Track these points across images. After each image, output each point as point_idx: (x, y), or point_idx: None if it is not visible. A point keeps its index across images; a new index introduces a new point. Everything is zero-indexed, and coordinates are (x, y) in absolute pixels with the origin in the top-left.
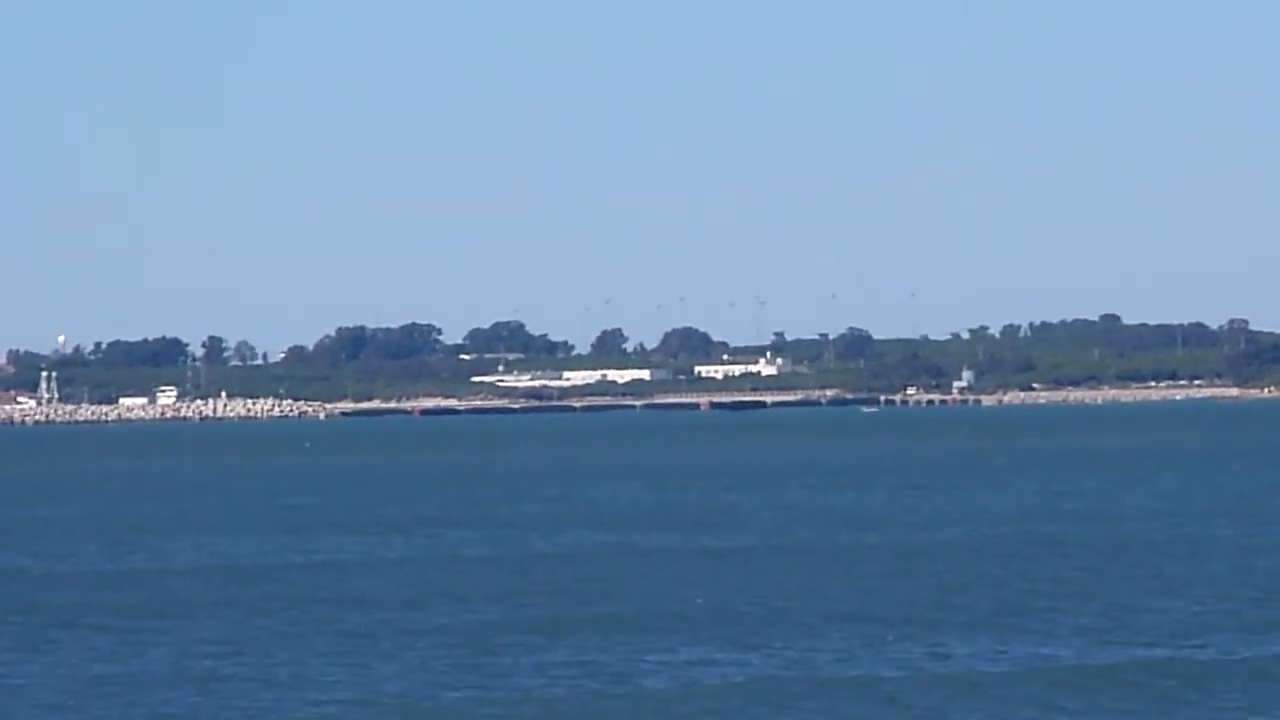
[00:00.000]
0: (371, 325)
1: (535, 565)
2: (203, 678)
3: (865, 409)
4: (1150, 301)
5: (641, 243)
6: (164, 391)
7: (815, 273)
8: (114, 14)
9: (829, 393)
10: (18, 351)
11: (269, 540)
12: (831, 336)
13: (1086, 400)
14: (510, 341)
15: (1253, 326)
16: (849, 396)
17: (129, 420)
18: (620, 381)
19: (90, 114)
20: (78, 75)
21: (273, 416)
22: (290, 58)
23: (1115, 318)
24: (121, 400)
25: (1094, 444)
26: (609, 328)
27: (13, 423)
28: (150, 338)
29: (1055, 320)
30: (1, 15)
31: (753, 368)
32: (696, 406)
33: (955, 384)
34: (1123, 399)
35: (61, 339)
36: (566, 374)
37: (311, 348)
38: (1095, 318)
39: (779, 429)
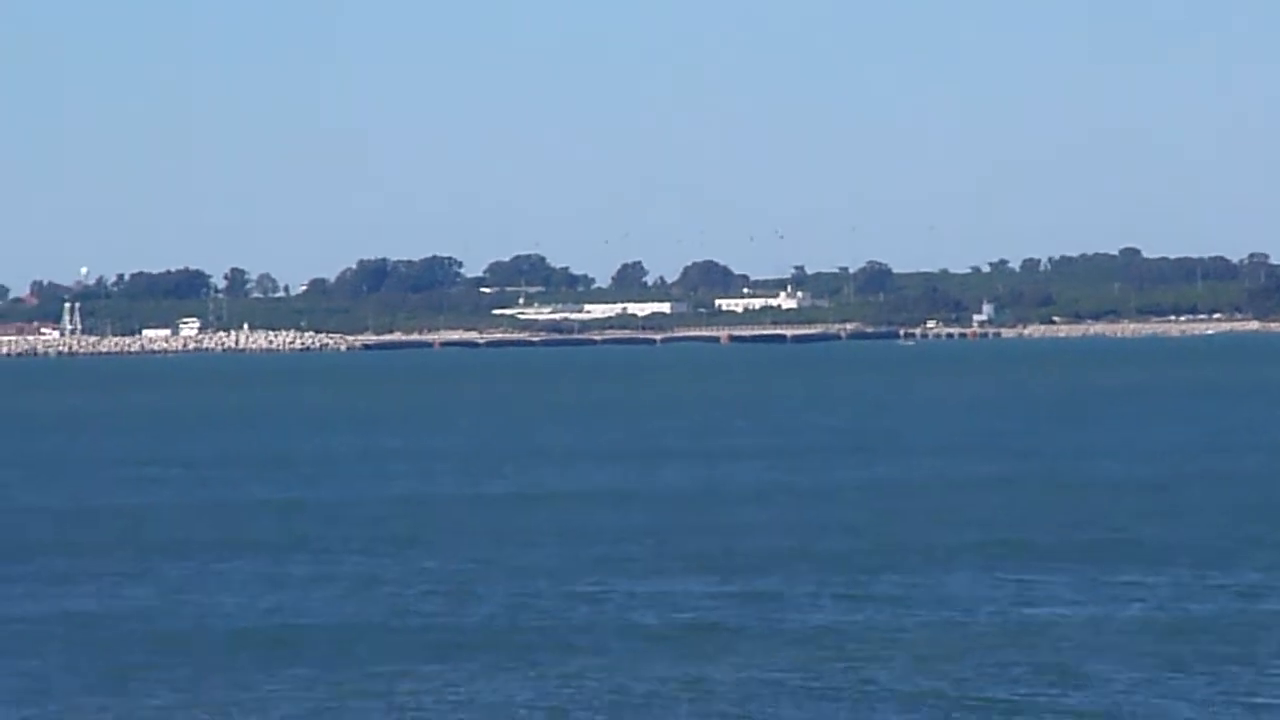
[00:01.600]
0: (393, 258)
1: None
2: None
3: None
4: (1170, 235)
5: (662, 176)
6: (186, 323)
7: (835, 206)
8: None
9: (849, 326)
10: (41, 283)
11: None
12: (851, 270)
13: (1106, 334)
14: (531, 275)
15: (1273, 260)
16: (869, 330)
17: (151, 352)
18: (640, 315)
19: (114, 46)
20: (102, 9)
21: (294, 349)
22: None
23: (1135, 251)
24: (144, 332)
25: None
26: (629, 261)
27: (36, 354)
28: (173, 270)
29: (1075, 254)
30: None
31: (772, 301)
32: (716, 340)
33: (975, 318)
34: (1142, 333)
35: (84, 271)
36: (587, 307)
37: (333, 280)
38: (1115, 252)
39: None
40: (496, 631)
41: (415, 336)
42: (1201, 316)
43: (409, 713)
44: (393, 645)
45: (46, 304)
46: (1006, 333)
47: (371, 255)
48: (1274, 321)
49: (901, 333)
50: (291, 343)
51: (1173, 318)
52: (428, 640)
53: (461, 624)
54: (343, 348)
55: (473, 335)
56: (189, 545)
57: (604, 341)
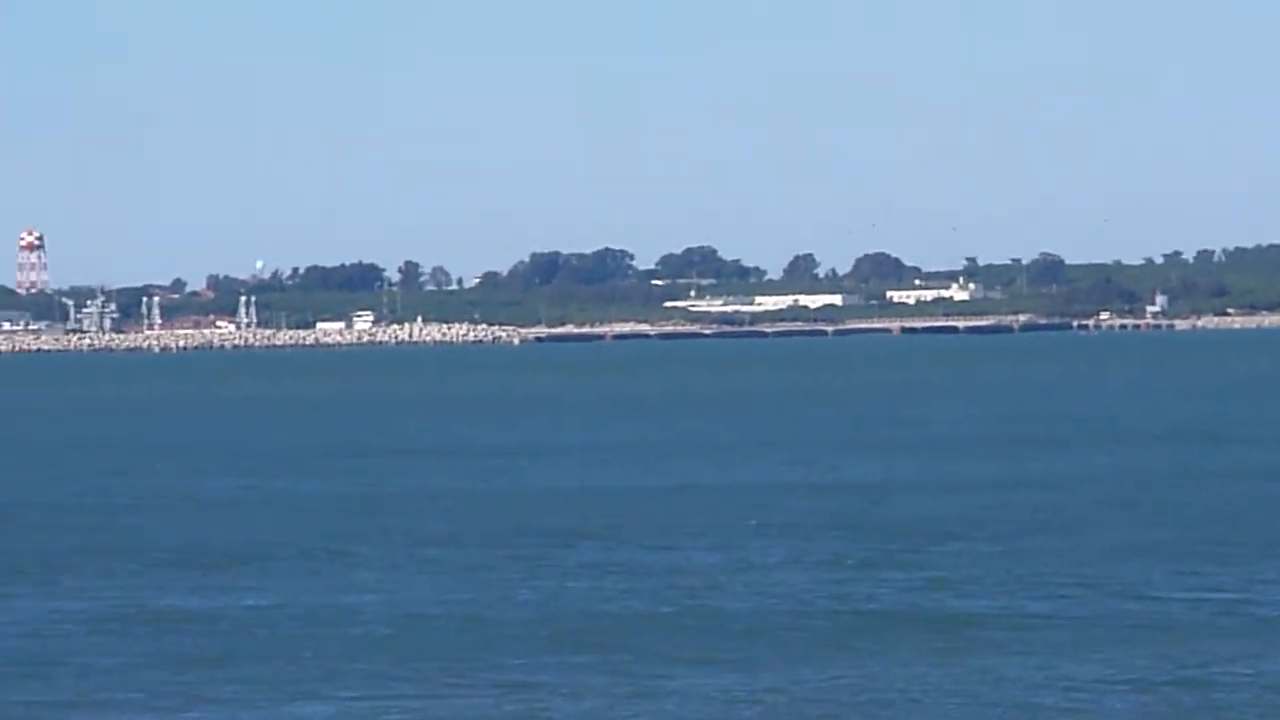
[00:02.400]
0: (565, 251)
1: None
2: None
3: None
4: None
5: (834, 167)
6: (360, 316)
7: (1007, 197)
8: None
9: (1021, 318)
10: (217, 277)
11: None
12: (1024, 261)
13: None
14: (702, 267)
15: None
16: (1041, 321)
17: (325, 345)
18: (812, 307)
19: (294, 43)
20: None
21: (467, 341)
22: None
23: None
24: (318, 325)
25: None
26: (801, 253)
27: (212, 347)
28: (347, 263)
29: (1250, 245)
30: None
31: (944, 293)
32: (889, 332)
33: (1149, 309)
34: None
35: (260, 264)
36: (758, 299)
37: (505, 273)
38: None
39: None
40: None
41: (587, 329)
42: None
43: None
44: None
45: (222, 298)
46: (1180, 324)
47: (544, 248)
48: None
49: (1075, 324)
50: (464, 335)
51: None
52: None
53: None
54: (515, 340)
55: (644, 327)
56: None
57: (775, 334)
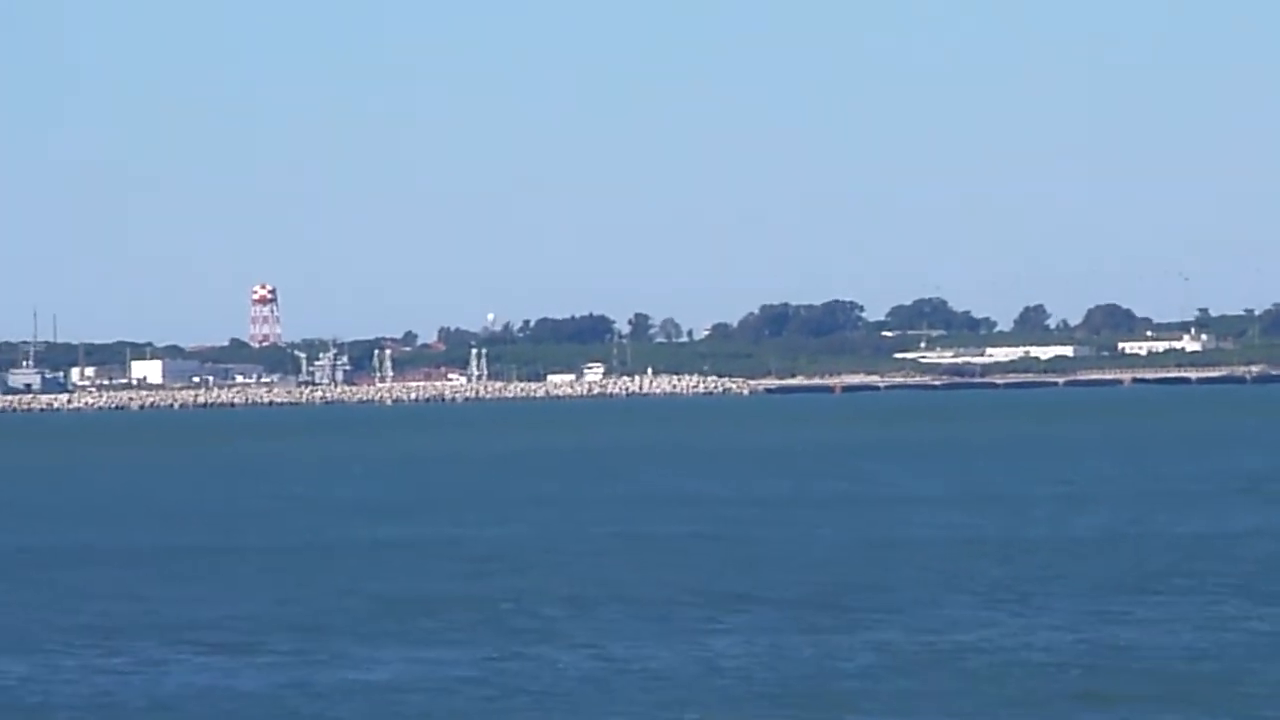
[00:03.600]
0: (794, 302)
1: None
2: None
3: None
4: None
5: (1063, 217)
6: (591, 368)
7: (1239, 245)
8: None
9: (1254, 369)
10: (449, 329)
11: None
12: (1257, 312)
13: None
14: (932, 318)
15: None
16: (1274, 373)
17: (556, 397)
18: (1043, 358)
19: (529, 100)
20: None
21: (696, 393)
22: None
23: None
24: (549, 377)
25: None
26: (1031, 304)
27: (444, 399)
28: (577, 315)
29: None
30: None
31: (1176, 344)
32: (1119, 383)
33: None
34: None
35: (491, 317)
36: (988, 350)
37: (735, 325)
38: None
39: None
40: None
41: (816, 380)
42: None
43: None
44: None
45: (454, 350)
46: None
47: (773, 300)
48: None
49: None
50: (694, 386)
51: None
52: None
53: None
54: (745, 391)
55: (873, 379)
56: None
57: (1005, 385)
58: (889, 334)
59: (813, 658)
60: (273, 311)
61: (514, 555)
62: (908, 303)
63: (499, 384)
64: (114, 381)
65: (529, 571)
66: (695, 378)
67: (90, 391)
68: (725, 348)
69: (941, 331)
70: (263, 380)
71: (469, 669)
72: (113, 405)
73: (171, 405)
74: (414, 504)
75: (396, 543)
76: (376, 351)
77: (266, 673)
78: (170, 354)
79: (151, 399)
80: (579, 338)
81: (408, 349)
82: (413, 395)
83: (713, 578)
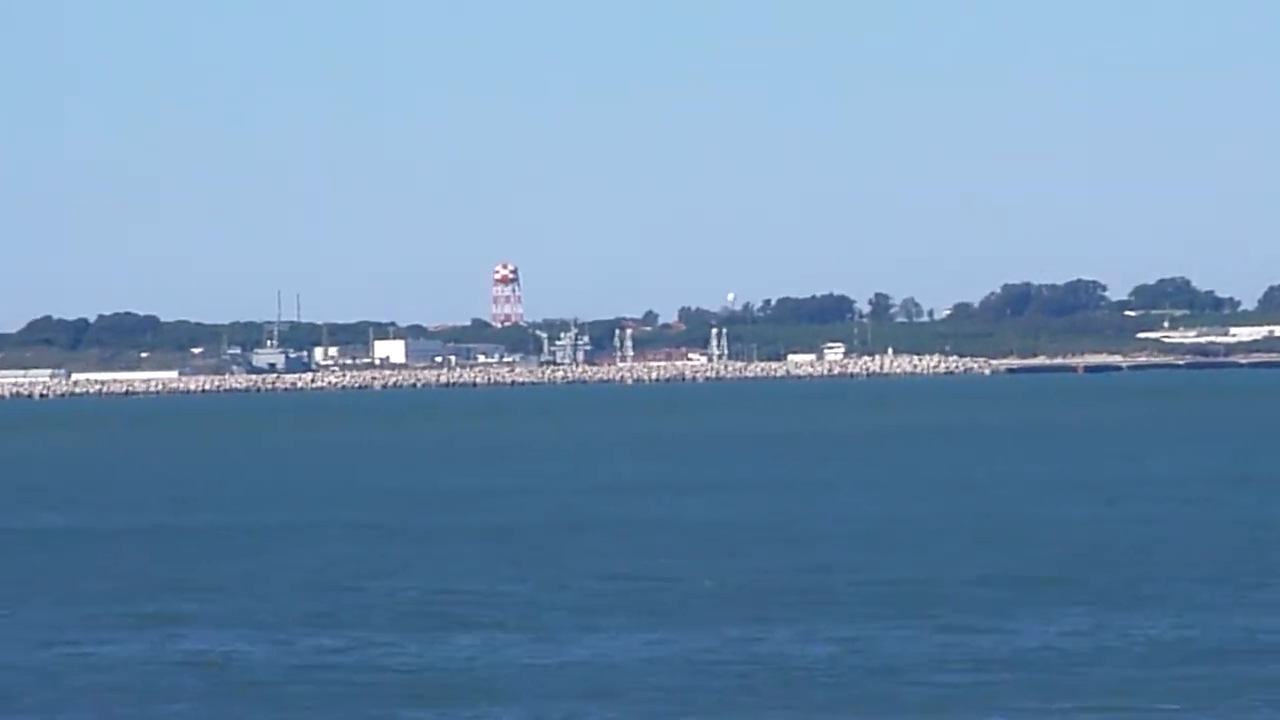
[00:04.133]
0: (1036, 281)
1: None
2: None
3: None
4: None
5: None
6: (831, 348)
7: None
8: None
9: None
10: (689, 309)
11: None
12: None
13: None
14: (1175, 298)
15: None
16: None
17: (796, 377)
18: None
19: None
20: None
21: (937, 373)
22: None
23: None
24: (789, 357)
25: None
26: (1276, 283)
27: (684, 379)
28: (818, 295)
29: None
30: None
31: None
32: None
33: None
34: None
35: (731, 297)
36: (1232, 330)
37: (976, 304)
38: None
39: None
40: None
41: (1058, 360)
42: None
43: None
44: None
45: (694, 330)
46: None
47: (1015, 279)
48: None
49: None
50: (935, 366)
51: None
52: None
53: None
54: (986, 371)
55: (1115, 359)
56: None
57: (1249, 365)
58: (1132, 313)
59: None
60: (514, 291)
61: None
62: (1151, 282)
63: (739, 364)
64: (357, 361)
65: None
66: (936, 357)
67: (333, 371)
68: (965, 327)
69: (1185, 311)
70: (504, 360)
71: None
72: (355, 385)
73: (414, 385)
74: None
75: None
76: (617, 331)
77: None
78: (413, 334)
79: (394, 378)
80: (819, 317)
81: (648, 329)
82: (653, 375)
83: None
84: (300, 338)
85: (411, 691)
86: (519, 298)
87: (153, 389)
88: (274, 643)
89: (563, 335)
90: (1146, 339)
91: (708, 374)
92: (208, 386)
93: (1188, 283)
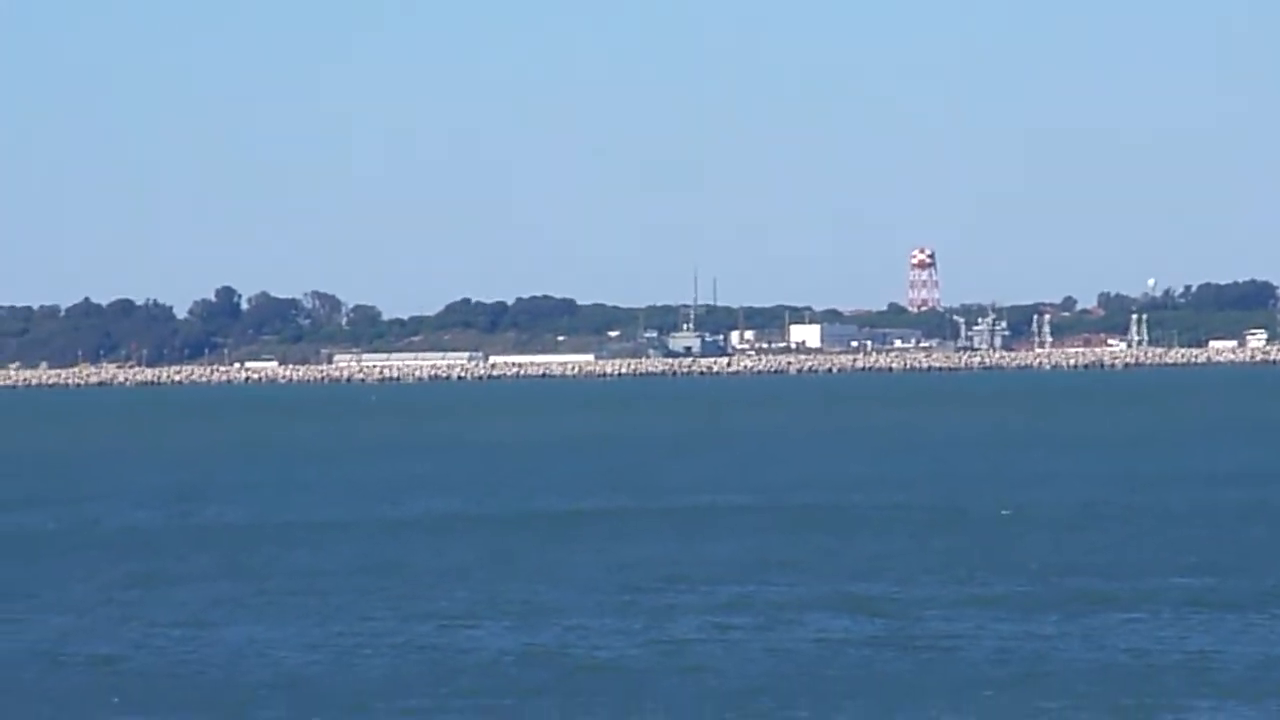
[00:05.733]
0: None
1: None
2: None
3: None
4: None
5: None
6: (1253, 334)
7: None
8: None
9: None
10: (1108, 294)
11: None
12: None
13: None
14: None
15: None
16: None
17: (1217, 364)
18: None
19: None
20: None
21: None
22: None
23: None
24: (1210, 343)
25: None
26: None
27: (1102, 365)
28: (1240, 280)
29: None
30: None
31: None
32: None
33: None
34: None
35: (1151, 282)
36: None
37: None
38: None
39: None
40: None
41: None
42: None
43: None
44: None
45: (1113, 315)
46: None
47: None
48: None
49: None
50: None
51: None
52: None
53: None
54: None
55: None
56: None
57: None
58: None
59: None
60: (931, 276)
61: None
62: None
63: (1159, 350)
64: (772, 345)
65: None
66: None
67: (749, 355)
68: None
69: None
70: (920, 345)
71: None
72: (771, 369)
73: (829, 369)
74: None
75: None
76: (1035, 317)
77: None
78: (828, 318)
79: (809, 363)
80: (1241, 304)
81: (1066, 314)
82: (1070, 361)
83: None
84: (716, 321)
85: None
86: (936, 282)
87: (569, 372)
88: None
89: (980, 320)
90: None
91: (1127, 360)
92: (624, 370)
93: None
